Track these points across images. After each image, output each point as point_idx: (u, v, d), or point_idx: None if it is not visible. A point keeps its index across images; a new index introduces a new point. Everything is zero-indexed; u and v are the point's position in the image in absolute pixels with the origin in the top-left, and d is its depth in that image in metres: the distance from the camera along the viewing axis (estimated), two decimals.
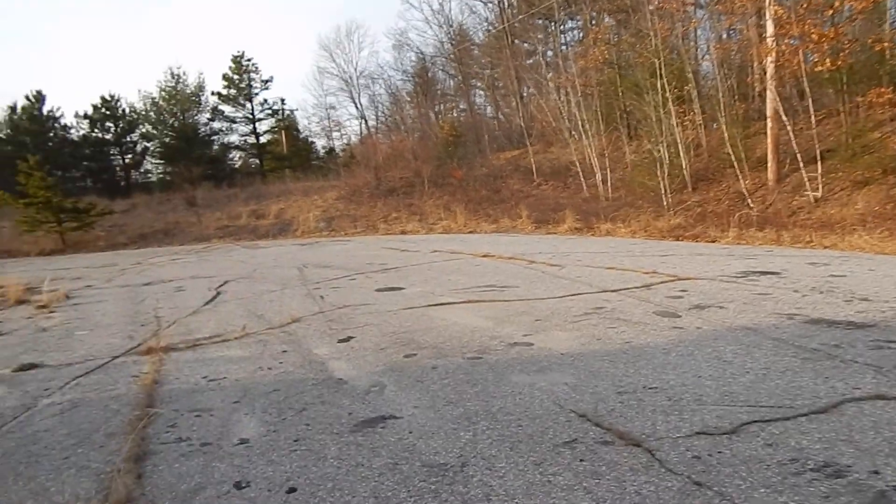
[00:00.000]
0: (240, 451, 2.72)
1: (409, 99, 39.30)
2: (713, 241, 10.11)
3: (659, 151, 14.80)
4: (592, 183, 18.02)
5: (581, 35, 30.81)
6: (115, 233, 20.66)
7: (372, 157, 25.45)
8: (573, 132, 20.18)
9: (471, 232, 15.83)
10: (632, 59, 18.95)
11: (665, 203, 13.66)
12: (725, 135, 15.16)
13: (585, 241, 12.22)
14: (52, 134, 31.85)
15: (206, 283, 8.91)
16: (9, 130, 31.80)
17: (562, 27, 31.12)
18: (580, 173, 18.58)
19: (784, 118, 12.20)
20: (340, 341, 4.71)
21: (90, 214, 19.87)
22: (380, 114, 40.22)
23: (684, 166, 14.81)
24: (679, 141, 14.74)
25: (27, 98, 31.44)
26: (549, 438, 2.66)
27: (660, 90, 15.02)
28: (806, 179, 11.80)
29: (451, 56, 35.98)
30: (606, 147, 17.67)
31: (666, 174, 14.01)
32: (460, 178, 21.52)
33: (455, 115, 37.29)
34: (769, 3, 12.37)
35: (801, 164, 11.94)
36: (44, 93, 31.54)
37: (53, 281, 10.52)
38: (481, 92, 38.64)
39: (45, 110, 31.39)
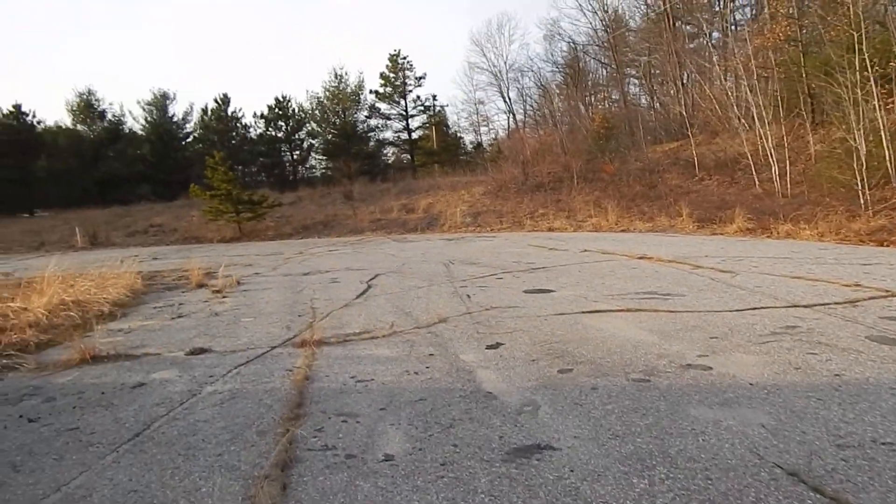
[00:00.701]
0: (384, 470, 2.53)
1: (558, 91, 38.31)
2: None
3: (855, 140, 12.68)
4: (767, 177, 16.02)
5: (754, 12, 27.76)
6: (283, 223, 22.50)
7: (519, 151, 25.08)
8: (743, 120, 18.14)
9: (623, 230, 14.85)
10: (820, 35, 16.52)
11: (862, 201, 11.63)
12: None
13: (760, 243, 10.82)
14: (234, 133, 35.73)
15: (358, 275, 9.19)
16: (201, 130, 36.23)
17: (732, 2, 28.23)
18: (752, 166, 16.62)
19: None
20: (488, 347, 4.44)
21: (262, 206, 21.84)
22: (528, 107, 39.72)
23: (888, 157, 12.53)
24: (883, 128, 12.49)
25: (215, 100, 35.64)
26: (751, 502, 2.13)
27: (858, 68, 12.85)
28: None
29: (605, 43, 34.37)
30: (786, 136, 15.59)
31: (864, 167, 11.93)
32: (612, 172, 20.38)
33: (607, 106, 35.64)
34: None
35: None
36: (229, 95, 35.52)
37: (228, 267, 11.57)
38: (636, 81, 36.54)
39: (229, 111, 35.32)
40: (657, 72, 33.05)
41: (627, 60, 35.70)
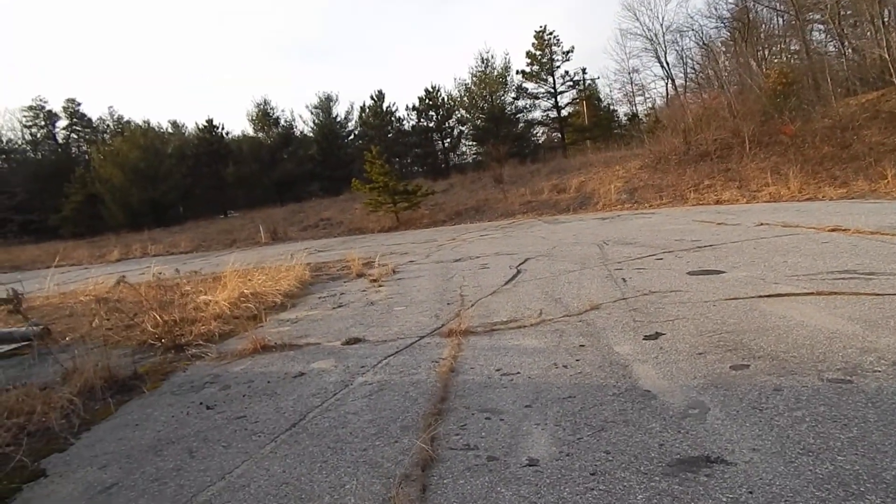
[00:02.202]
0: (528, 476, 2.34)
1: (724, 49, 34.61)
2: None
3: None
4: None
5: None
6: (436, 210, 23.15)
7: (680, 119, 23.08)
8: None
9: (808, 199, 12.93)
10: None
11: None
12: None
13: None
14: (389, 127, 37.54)
15: (507, 260, 9.05)
16: (360, 127, 38.62)
17: None
18: None
19: None
20: (646, 338, 4.02)
21: (417, 195, 22.65)
22: (689, 70, 36.45)
23: None
24: None
25: (371, 98, 37.68)
26: None
27: None
28: None
29: None
30: None
31: None
32: (792, 133, 17.88)
33: (784, 59, 31.45)
34: None
35: None
36: (383, 92, 37.39)
37: (385, 256, 12.12)
38: (820, 26, 31.71)
39: (384, 107, 37.16)
40: (848, 12, 28.34)
41: (810, 4, 31.08)
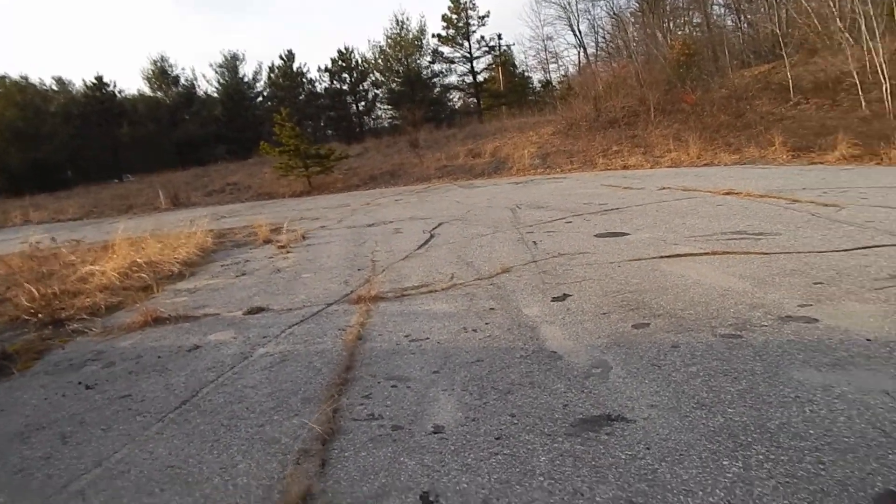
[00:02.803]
0: (432, 444, 2.27)
1: (633, 20, 35.63)
2: None
3: None
4: (876, 97, 14.16)
5: None
6: (350, 175, 22.55)
7: (591, 86, 23.63)
8: (847, 34, 16.04)
9: (706, 164, 13.68)
10: None
11: None
12: None
13: (869, 171, 9.60)
14: (300, 89, 35.96)
15: (421, 224, 8.93)
16: (269, 88, 36.72)
17: None
18: (857, 86, 14.76)
19: None
20: (554, 300, 4.06)
21: (330, 159, 21.92)
22: (600, 40, 37.28)
23: None
24: None
25: (281, 58, 35.85)
26: (878, 495, 1.70)
27: None
28: None
29: None
30: None
31: None
32: (693, 102, 18.79)
33: (687, 31, 32.80)
34: None
35: None
36: (294, 52, 35.67)
37: (295, 221, 11.66)
38: (720, 1, 33.29)
39: (294, 67, 35.48)
40: None
41: None
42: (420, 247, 6.94)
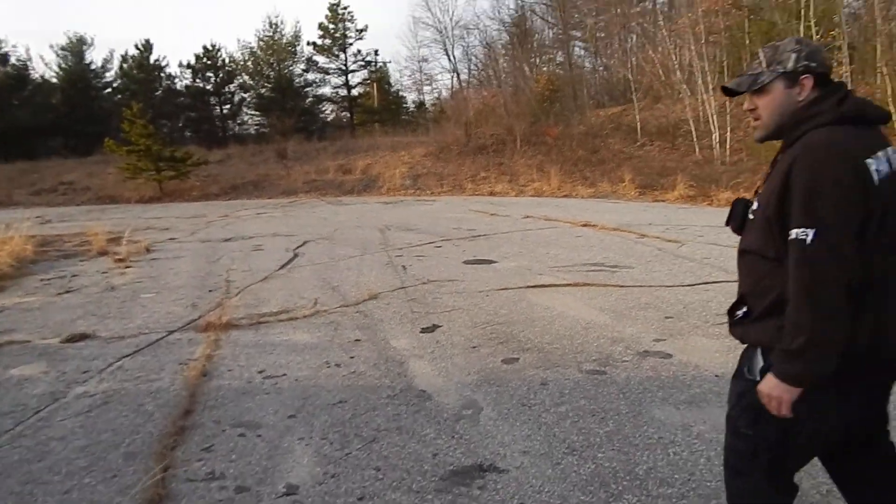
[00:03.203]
0: None
1: (503, 51, 37.48)
2: None
3: None
4: (707, 144, 16.05)
5: None
6: (209, 183, 21.00)
7: (462, 112, 24.32)
8: (685, 85, 18.08)
9: (565, 196, 14.55)
10: (764, 1, 16.52)
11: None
12: (889, 88, 12.78)
13: (702, 211, 10.72)
14: (157, 84, 33.01)
15: (285, 242, 8.41)
16: (122, 79, 33.24)
17: None
18: (693, 132, 16.63)
19: None
20: (424, 331, 3.90)
21: (186, 164, 20.23)
22: (472, 67, 38.72)
23: None
24: None
25: (136, 47, 32.63)
26: None
27: (803, 34, 12.82)
28: None
29: (552, 2, 33.67)
30: (728, 102, 15.57)
31: None
32: (555, 136, 20.02)
33: (551, 68, 35.16)
34: None
35: None
36: (152, 42, 32.65)
37: (141, 231, 10.51)
38: (581, 43, 36.17)
39: (152, 59, 32.50)
40: (602, 34, 32.78)
41: (574, 22, 35.20)
42: (282, 267, 6.49)
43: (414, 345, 3.61)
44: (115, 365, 3.42)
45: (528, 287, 5.05)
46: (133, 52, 32.74)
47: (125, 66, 32.92)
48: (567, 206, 12.20)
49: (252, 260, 7.00)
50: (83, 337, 3.99)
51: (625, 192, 13.73)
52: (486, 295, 4.83)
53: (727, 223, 1.49)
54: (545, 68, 34.21)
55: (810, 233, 1.15)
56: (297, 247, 7.87)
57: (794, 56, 1.31)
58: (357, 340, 3.73)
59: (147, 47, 31.96)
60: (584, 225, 8.91)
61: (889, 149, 1.25)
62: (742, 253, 1.43)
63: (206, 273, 6.29)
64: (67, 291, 5.59)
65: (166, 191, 19.89)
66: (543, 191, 15.29)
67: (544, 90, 24.57)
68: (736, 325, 1.41)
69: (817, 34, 12.66)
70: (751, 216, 1.38)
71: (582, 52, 36.15)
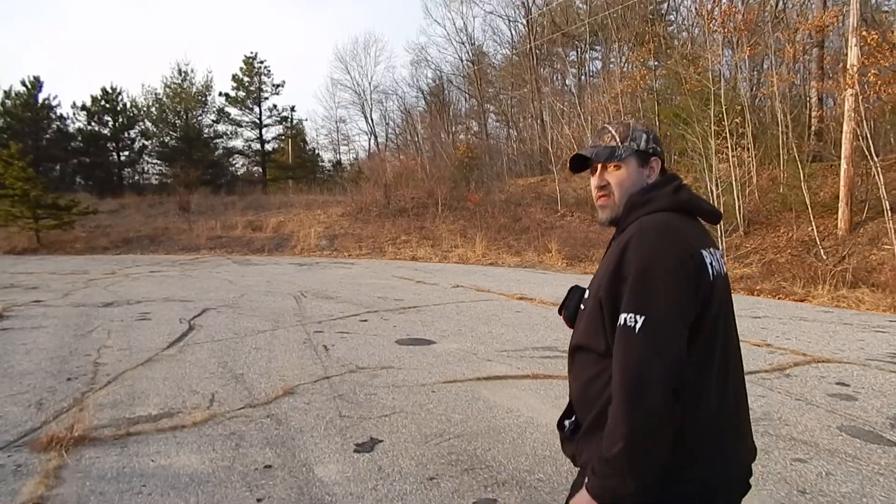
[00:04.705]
0: None
1: (421, 119, 37.93)
2: (802, 300, 8.35)
3: (706, 188, 13.16)
4: None
5: (600, 66, 29.75)
6: (98, 235, 18.82)
7: (381, 173, 23.82)
8: None
9: (491, 264, 14.06)
10: (674, 87, 17.49)
11: (720, 249, 11.93)
12: (783, 174, 13.60)
13: None
14: (45, 123, 30.13)
15: (179, 309, 7.13)
16: (6, 118, 30.09)
17: (587, 55, 30.04)
18: None
19: (873, 158, 10.55)
20: (358, 449, 2.94)
21: (71, 212, 18.08)
22: (390, 131, 38.83)
23: (737, 207, 13.16)
24: (734, 178, 13.10)
25: (23, 83, 29.75)
26: None
27: (712, 120, 13.44)
28: (893, 230, 10.12)
29: (469, 74, 34.72)
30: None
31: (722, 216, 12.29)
32: (476, 202, 19.83)
33: (466, 137, 35.86)
34: (854, 27, 10.85)
35: (889, 211, 10.27)
36: (41, 79, 29.94)
37: (1, 290, 8.76)
38: (494, 115, 37.36)
39: (40, 98, 29.73)
40: (515, 110, 34.02)
41: (489, 96, 36.41)
42: (172, 344, 5.27)
43: (347, 475, 2.65)
44: None
45: (480, 379, 4.22)
46: (18, 87, 29.84)
47: (7, 103, 29.90)
48: (496, 275, 11.65)
49: (134, 333, 5.71)
50: None
51: (552, 263, 13.45)
52: (430, 390, 3.94)
53: (560, 311, 1.36)
54: (461, 136, 34.90)
55: (640, 319, 1.05)
56: (194, 316, 6.63)
57: (644, 136, 1.29)
58: (267, 467, 2.71)
59: (35, 85, 29.27)
60: (521, 298, 8.30)
61: (716, 251, 1.19)
62: (572, 351, 1.27)
63: (70, 352, 4.95)
64: None
65: (44, 242, 17.60)
66: (468, 257, 14.76)
67: (463, 157, 24.69)
68: (566, 442, 1.25)
69: (727, 120, 13.30)
70: (582, 307, 1.27)
71: (497, 123, 37.36)
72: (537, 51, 29.17)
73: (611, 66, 26.74)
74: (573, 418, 1.22)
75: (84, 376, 4.21)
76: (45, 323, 6.29)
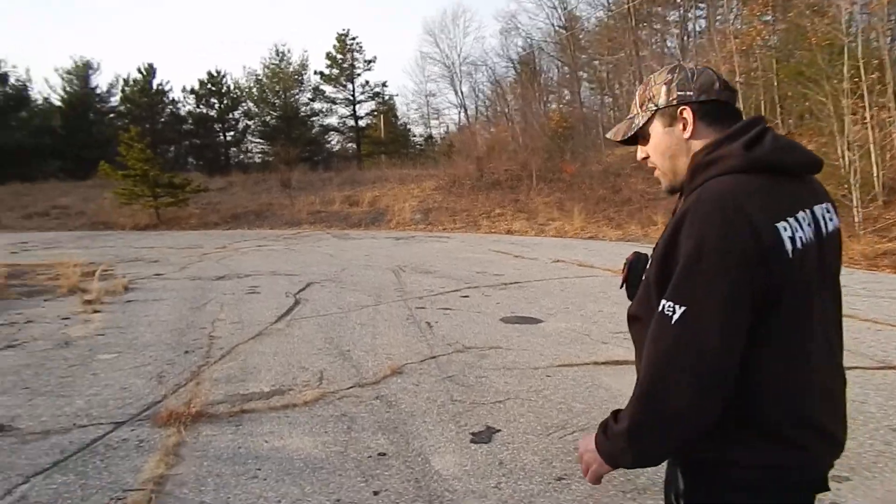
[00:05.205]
0: None
1: (510, 89, 37.02)
2: None
3: (837, 152, 11.74)
4: None
5: (704, 25, 27.55)
6: (209, 211, 19.98)
7: (473, 146, 23.50)
8: None
9: (590, 237, 13.44)
10: (796, 41, 15.74)
11: (855, 220, 10.63)
12: None
13: None
14: (159, 108, 32.34)
15: (285, 283, 7.28)
16: (127, 104, 32.61)
17: (691, 12, 27.90)
18: None
19: None
20: (475, 438, 2.73)
21: (185, 190, 19.27)
22: (480, 103, 38.25)
23: (875, 174, 11.65)
24: (872, 141, 11.57)
25: (139, 71, 32.03)
26: None
27: (845, 76, 11.91)
28: None
29: (562, 41, 33.36)
30: None
31: (859, 183, 10.93)
32: (573, 173, 19.07)
33: (557, 107, 34.62)
34: None
35: None
36: (155, 66, 32.05)
37: (127, 263, 9.40)
38: (588, 84, 35.73)
39: (154, 84, 31.90)
40: (611, 76, 32.35)
41: (583, 62, 34.84)
42: (280, 318, 5.33)
43: (466, 468, 2.44)
44: (16, 493, 2.25)
45: (598, 364, 3.88)
46: (135, 75, 32.11)
47: (127, 90, 32.33)
48: (597, 249, 11.09)
49: (245, 307, 5.85)
50: None
51: (658, 237, 12.63)
52: (544, 374, 3.67)
53: (622, 286, 1.23)
54: (553, 106, 33.70)
55: (679, 311, 0.91)
56: (299, 290, 6.73)
57: (664, 88, 1.07)
58: (381, 455, 2.56)
59: (150, 71, 31.39)
60: None
61: (820, 206, 1.00)
62: (629, 320, 1.14)
63: (187, 324, 5.13)
64: (9, 346, 4.44)
65: (163, 218, 18.87)
66: (566, 231, 14.21)
67: (557, 126, 23.79)
68: None
69: (864, 77, 11.72)
70: (644, 276, 1.10)
71: (590, 92, 35.77)
72: (636, 11, 27.41)
73: (717, 23, 24.65)
74: None
75: (200, 350, 4.30)
76: (164, 295, 6.62)
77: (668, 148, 1.08)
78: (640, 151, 1.18)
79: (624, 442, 0.96)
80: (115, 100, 33.70)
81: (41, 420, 2.95)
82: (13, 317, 5.50)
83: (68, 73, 32.54)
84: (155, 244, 13.24)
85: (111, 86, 33.35)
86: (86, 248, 12.46)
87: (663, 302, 0.93)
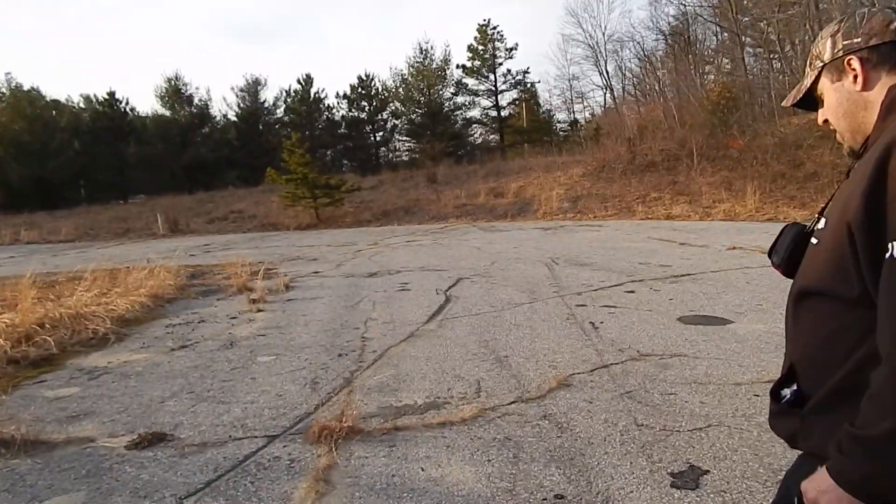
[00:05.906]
0: None
1: (661, 63, 34.29)
2: None
3: None
4: None
5: None
6: (362, 209, 20.91)
7: (622, 127, 22.01)
8: None
9: (769, 220, 11.76)
10: None
11: None
12: None
13: None
14: (317, 114, 34.72)
15: (434, 279, 7.09)
16: (290, 115, 35.54)
17: None
18: None
19: None
20: (677, 483, 2.16)
21: (340, 190, 20.31)
22: (626, 83, 35.93)
23: None
24: None
25: (298, 82, 34.65)
26: None
27: None
28: None
29: (721, 4, 30.10)
30: None
31: None
32: (741, 148, 17.00)
33: (714, 77, 31.32)
34: None
35: None
36: (312, 76, 34.45)
37: (288, 262, 9.91)
38: (751, 49, 31.87)
39: (312, 92, 34.29)
40: (781, 36, 28.53)
41: (745, 25, 31.18)
42: (431, 318, 5.08)
43: None
44: None
45: None
46: (295, 86, 34.66)
47: (289, 100, 35.02)
48: None
49: (396, 305, 5.70)
50: (160, 438, 2.81)
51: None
52: (751, 392, 2.95)
53: (770, 255, 1.05)
54: (712, 77, 30.50)
55: None
56: (449, 287, 6.48)
57: (829, 42, 0.98)
58: (559, 498, 2.09)
59: (308, 82, 33.69)
60: None
61: None
62: (798, 298, 0.94)
63: (341, 324, 5.07)
64: (183, 346, 4.65)
65: (322, 217, 20.04)
66: (737, 213, 12.62)
67: (720, 98, 21.41)
68: (782, 417, 0.95)
69: None
70: (814, 241, 0.93)
71: (754, 58, 31.88)
72: None
73: None
74: (795, 386, 0.93)
75: (353, 352, 4.15)
76: (321, 293, 6.73)
77: (840, 105, 0.97)
78: (820, 115, 1.05)
79: (891, 448, 0.71)
80: (280, 111, 36.80)
81: (200, 430, 2.90)
82: (189, 316, 5.87)
83: (241, 90, 36.05)
84: (314, 242, 13.97)
85: (277, 98, 36.40)
86: (256, 248, 13.47)
87: (892, 245, 0.76)
